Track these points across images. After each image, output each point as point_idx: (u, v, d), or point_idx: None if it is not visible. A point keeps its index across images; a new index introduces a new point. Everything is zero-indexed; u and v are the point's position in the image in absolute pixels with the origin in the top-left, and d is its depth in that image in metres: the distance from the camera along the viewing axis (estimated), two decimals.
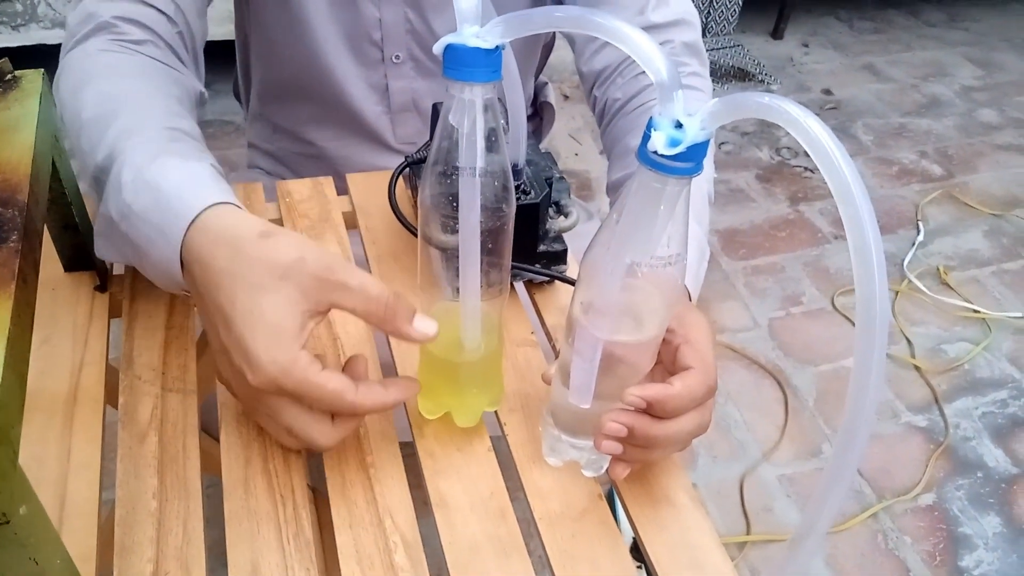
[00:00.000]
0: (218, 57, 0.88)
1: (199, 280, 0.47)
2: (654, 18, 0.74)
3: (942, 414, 1.53)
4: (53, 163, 0.52)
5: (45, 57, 0.61)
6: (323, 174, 0.75)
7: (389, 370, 0.58)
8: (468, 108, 0.42)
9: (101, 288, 0.60)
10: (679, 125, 0.38)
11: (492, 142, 0.44)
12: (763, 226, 1.96)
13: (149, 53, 0.64)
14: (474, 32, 0.41)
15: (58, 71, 0.62)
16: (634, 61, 0.75)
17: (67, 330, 0.57)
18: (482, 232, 0.45)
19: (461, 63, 0.41)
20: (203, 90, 0.68)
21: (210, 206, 0.48)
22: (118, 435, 0.51)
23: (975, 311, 1.76)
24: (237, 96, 1.02)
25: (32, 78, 0.50)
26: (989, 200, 2.10)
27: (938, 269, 1.86)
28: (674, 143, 0.37)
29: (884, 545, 1.32)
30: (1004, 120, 2.44)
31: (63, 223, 0.56)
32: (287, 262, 0.45)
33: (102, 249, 0.55)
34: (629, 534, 0.54)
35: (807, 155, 2.09)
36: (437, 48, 0.42)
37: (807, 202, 2.04)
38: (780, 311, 1.73)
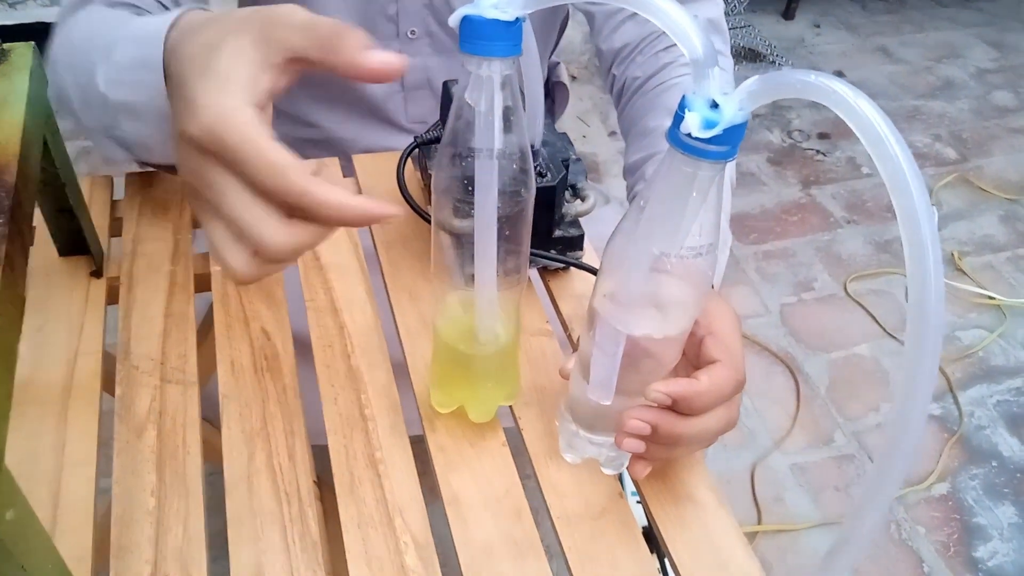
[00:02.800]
0: None
1: (174, 72, 0.42)
2: None
3: (956, 403, 1.51)
4: (45, 143, 0.49)
5: (43, 36, 0.58)
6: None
7: (399, 364, 0.55)
8: (485, 85, 0.40)
9: (97, 274, 0.57)
10: (714, 105, 0.35)
11: (510, 122, 0.41)
12: (774, 210, 1.93)
13: None
14: (492, 3, 0.38)
15: (54, 37, 0.60)
16: (655, 38, 0.73)
17: (62, 318, 0.55)
18: (499, 217, 0.42)
19: (478, 36, 0.39)
20: None
21: (183, 14, 0.46)
22: (115, 428, 0.49)
23: (990, 297, 1.73)
24: None
25: (22, 52, 0.47)
26: (1004, 184, 2.06)
27: (952, 255, 1.83)
28: (709, 125, 0.35)
29: (898, 535, 1.30)
30: (1019, 103, 2.40)
31: (57, 206, 0.54)
32: (242, 16, 0.40)
33: (107, 148, 0.54)
34: (640, 521, 0.52)
35: (819, 138, 2.05)
36: (453, 20, 0.39)
37: (819, 186, 2.01)
38: (792, 297, 1.70)
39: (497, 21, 0.38)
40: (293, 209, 0.37)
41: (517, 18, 0.38)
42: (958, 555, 1.28)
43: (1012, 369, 1.59)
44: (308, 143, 0.88)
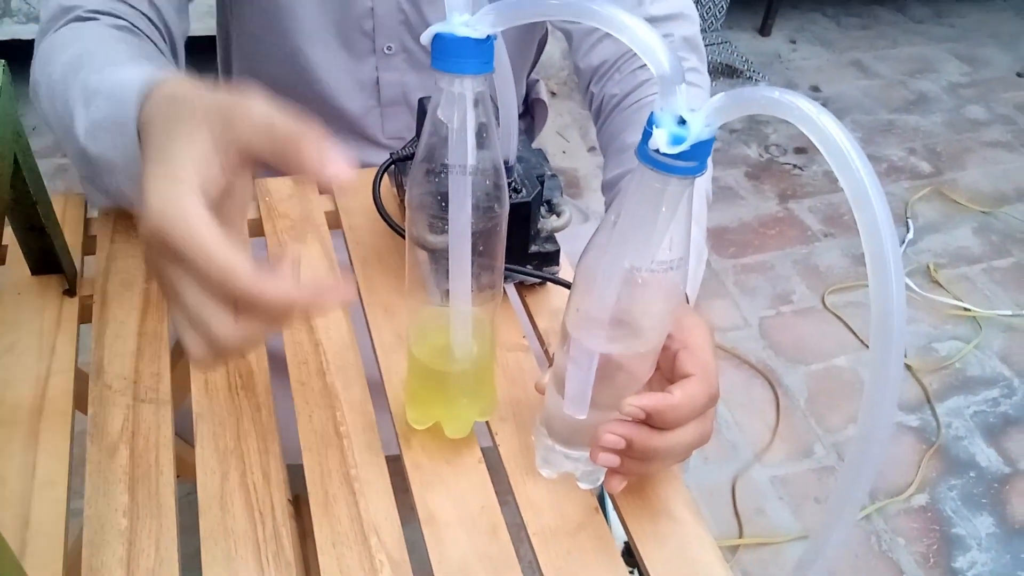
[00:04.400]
0: (198, 53, 0.85)
1: (143, 144, 0.41)
2: (653, 11, 0.72)
3: (934, 413, 1.52)
4: (16, 161, 0.49)
5: (19, 52, 0.58)
6: None
7: (375, 382, 0.55)
8: (458, 102, 0.40)
9: (70, 292, 0.57)
10: (682, 121, 0.35)
11: (483, 138, 0.41)
12: (752, 224, 1.95)
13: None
14: (464, 21, 0.39)
15: (34, 58, 0.60)
16: (632, 56, 0.74)
17: (33, 337, 0.54)
18: (473, 233, 0.43)
19: (450, 54, 0.39)
20: None
21: (160, 81, 0.44)
22: (87, 448, 0.49)
23: (965, 309, 1.75)
24: None
25: None
26: (978, 197, 2.09)
27: (928, 267, 1.85)
28: (677, 141, 0.35)
29: (878, 547, 1.30)
30: (991, 116, 2.44)
31: (28, 224, 0.53)
32: (210, 102, 0.38)
33: (91, 195, 0.55)
34: (621, 538, 0.52)
35: (796, 152, 2.07)
36: (425, 38, 0.39)
37: (796, 200, 2.03)
38: (770, 310, 1.72)
39: (468, 39, 0.38)
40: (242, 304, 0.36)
41: (488, 35, 0.39)
42: (938, 566, 1.28)
43: (988, 379, 1.60)
44: None
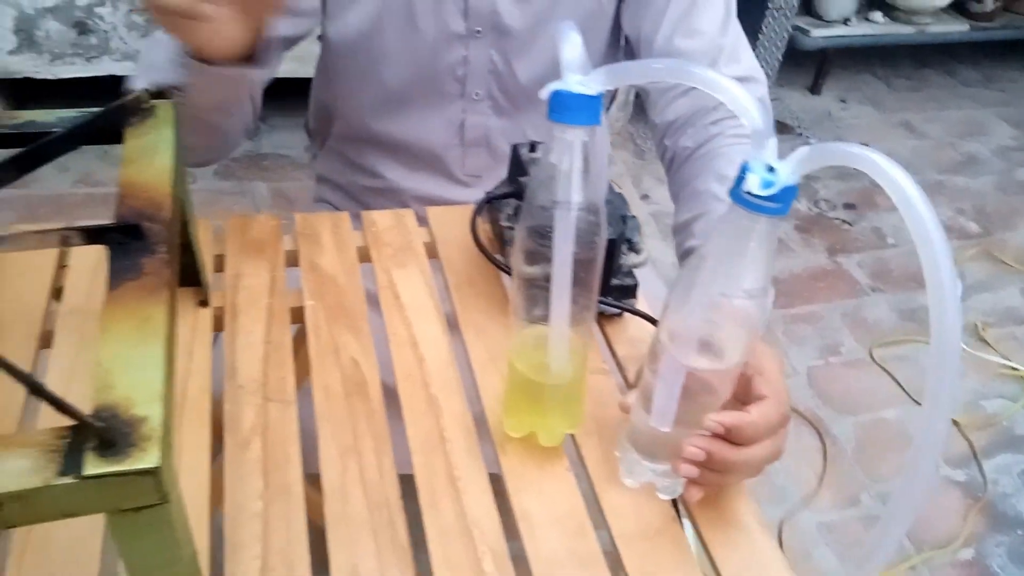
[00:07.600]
0: (277, 94, 0.93)
1: None
2: (725, 72, 0.79)
3: (980, 469, 1.53)
4: None
5: (115, 88, 0.67)
6: (390, 206, 0.79)
7: (471, 395, 0.61)
8: (568, 149, 0.46)
9: (204, 303, 0.64)
10: (771, 169, 0.41)
11: (585, 180, 0.48)
12: (802, 275, 1.99)
13: None
14: (578, 80, 0.45)
15: None
16: (704, 113, 0.81)
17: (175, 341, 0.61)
18: (574, 262, 0.49)
19: (566, 107, 0.46)
20: (256, 124, 0.79)
21: None
22: (224, 441, 0.55)
23: (1013, 368, 1.76)
24: (308, 131, 1.07)
25: (165, 108, 0.55)
26: None
27: (976, 325, 1.87)
28: (767, 185, 0.41)
29: None
30: None
31: (178, 241, 0.61)
32: None
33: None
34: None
35: (845, 208, 2.10)
36: (543, 93, 0.46)
37: (845, 254, 2.06)
38: (819, 360, 1.75)
39: (582, 95, 0.45)
40: None
41: (599, 93, 0.45)
42: None
43: None
44: (373, 191, 0.96)
